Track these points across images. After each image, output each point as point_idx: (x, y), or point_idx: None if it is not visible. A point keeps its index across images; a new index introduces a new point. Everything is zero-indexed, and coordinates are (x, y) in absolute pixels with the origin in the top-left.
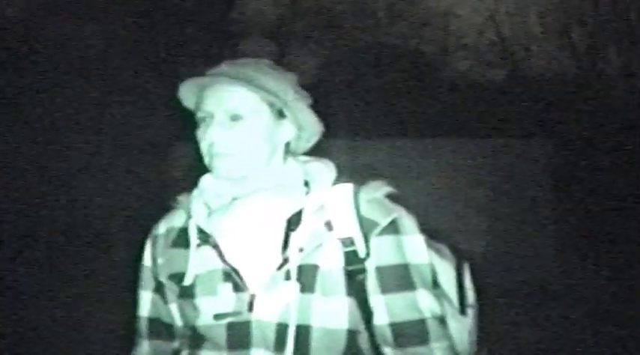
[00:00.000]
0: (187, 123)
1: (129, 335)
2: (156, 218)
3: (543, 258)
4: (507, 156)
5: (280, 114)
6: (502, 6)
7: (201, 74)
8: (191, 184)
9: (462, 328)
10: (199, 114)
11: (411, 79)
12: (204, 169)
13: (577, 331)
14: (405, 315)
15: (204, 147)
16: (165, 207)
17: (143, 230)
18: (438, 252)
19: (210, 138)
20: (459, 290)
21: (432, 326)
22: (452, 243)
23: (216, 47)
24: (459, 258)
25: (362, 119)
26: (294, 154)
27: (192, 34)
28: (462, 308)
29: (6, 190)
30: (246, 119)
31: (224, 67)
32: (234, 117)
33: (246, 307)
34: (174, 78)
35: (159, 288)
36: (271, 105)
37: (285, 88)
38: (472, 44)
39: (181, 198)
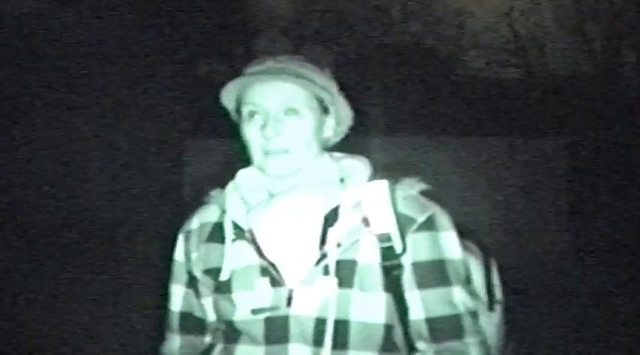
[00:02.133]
0: (201, 120)
1: (141, 333)
2: (168, 213)
3: (559, 256)
4: (523, 154)
5: (325, 110)
6: (517, 4)
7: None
8: (207, 180)
9: (490, 323)
10: (249, 108)
11: (424, 78)
12: (219, 166)
13: (592, 330)
14: (440, 310)
15: (256, 142)
16: (176, 203)
17: (156, 226)
18: (467, 249)
19: (268, 134)
20: (487, 287)
21: (467, 322)
22: (480, 240)
23: (229, 44)
24: (487, 255)
25: (375, 117)
26: (326, 149)
27: (205, 31)
28: (491, 305)
29: (16, 189)
30: (301, 114)
31: (269, 63)
32: (290, 112)
33: (284, 302)
34: (188, 75)
35: (191, 283)
36: (320, 100)
37: (330, 83)
38: (487, 43)
39: (214, 193)
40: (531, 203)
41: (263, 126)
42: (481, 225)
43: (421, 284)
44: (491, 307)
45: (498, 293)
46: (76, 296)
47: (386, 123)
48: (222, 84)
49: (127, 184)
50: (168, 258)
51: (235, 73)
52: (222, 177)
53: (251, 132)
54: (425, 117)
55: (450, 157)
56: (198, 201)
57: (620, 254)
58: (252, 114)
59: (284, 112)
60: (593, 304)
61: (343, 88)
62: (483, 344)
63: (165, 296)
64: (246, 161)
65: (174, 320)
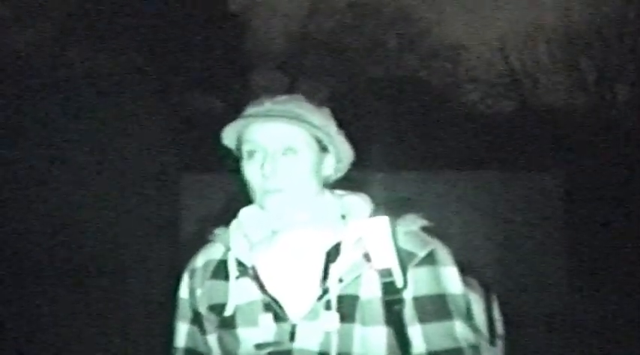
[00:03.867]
0: (197, 153)
1: None
2: (164, 246)
3: (555, 290)
4: (518, 187)
5: (324, 149)
6: (511, 38)
7: (231, 113)
8: (203, 216)
9: None
10: (248, 147)
11: (420, 111)
12: (214, 200)
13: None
14: (442, 344)
15: (256, 181)
16: (172, 239)
17: (153, 260)
18: (467, 284)
19: (266, 172)
20: (489, 322)
21: None
22: (480, 276)
23: (225, 78)
24: (488, 290)
25: (370, 151)
26: (327, 186)
27: (201, 65)
28: (492, 339)
29: (14, 221)
30: (299, 153)
31: (267, 104)
32: (288, 151)
33: (287, 337)
34: (184, 108)
35: (196, 319)
36: (318, 140)
37: (328, 122)
38: (481, 76)
39: (218, 231)
40: (527, 236)
41: (262, 166)
42: (475, 259)
43: (422, 318)
44: (492, 342)
45: (500, 327)
46: (70, 332)
47: (379, 157)
48: (218, 118)
49: (121, 219)
50: (164, 295)
51: (231, 107)
52: (219, 213)
53: (251, 171)
54: (419, 151)
55: (444, 191)
56: (195, 237)
57: (618, 285)
58: (251, 153)
59: (282, 152)
60: (591, 335)
61: (342, 125)
62: None
63: (163, 331)
64: (246, 197)
65: None
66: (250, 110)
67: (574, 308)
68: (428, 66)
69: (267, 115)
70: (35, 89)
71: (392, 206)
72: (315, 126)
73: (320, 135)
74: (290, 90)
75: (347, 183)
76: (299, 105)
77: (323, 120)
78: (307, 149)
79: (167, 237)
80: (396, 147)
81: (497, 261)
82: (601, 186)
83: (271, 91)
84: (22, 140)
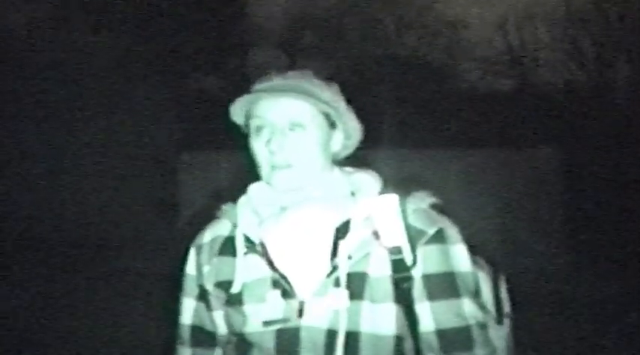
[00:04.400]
0: (194, 132)
1: (137, 346)
2: (162, 225)
3: (555, 267)
4: (517, 165)
5: (332, 125)
6: (511, 16)
7: (239, 89)
8: (203, 193)
9: (499, 337)
10: (256, 123)
11: (419, 90)
12: (214, 179)
13: (590, 338)
14: (450, 322)
15: (263, 157)
16: (171, 216)
17: (151, 238)
18: (476, 263)
19: (273, 148)
20: (496, 300)
21: (476, 333)
22: (488, 254)
23: (224, 58)
24: (496, 270)
25: (371, 129)
26: (336, 163)
27: (200, 44)
28: (499, 318)
29: (8, 204)
30: (306, 129)
31: (277, 79)
32: (296, 127)
33: (295, 313)
34: (182, 88)
35: (202, 296)
36: (327, 115)
37: (337, 98)
38: (481, 55)
39: (225, 207)
40: (526, 213)
41: (269, 141)
42: (476, 236)
43: (431, 296)
44: (499, 321)
45: (507, 306)
46: (68, 309)
47: (378, 135)
48: (217, 97)
49: (121, 198)
50: (162, 272)
51: (229, 86)
52: (219, 190)
53: (258, 147)
54: (417, 128)
55: (443, 169)
56: (193, 215)
57: (618, 262)
58: (259, 129)
59: (289, 127)
60: (592, 313)
61: (355, 101)
62: None
63: (161, 308)
64: (251, 175)
65: (185, 334)
66: (259, 85)
67: (574, 285)
68: (427, 44)
69: (276, 90)
70: (32, 69)
71: (398, 184)
72: (324, 102)
73: (329, 110)
74: (289, 69)
75: (348, 160)
76: (308, 81)
77: (332, 96)
78: (315, 125)
79: (165, 214)
80: (394, 125)
81: (498, 239)
82: (601, 164)
83: (270, 70)
84: (20, 120)
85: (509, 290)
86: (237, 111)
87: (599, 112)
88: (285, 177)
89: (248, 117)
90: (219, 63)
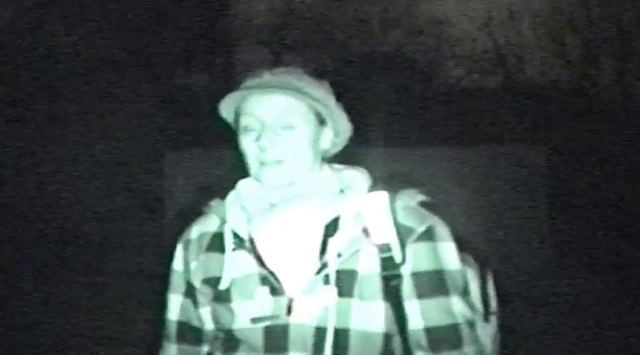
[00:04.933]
0: (181, 130)
1: (124, 343)
2: (146, 224)
3: (539, 265)
4: (502, 163)
5: (322, 122)
6: (496, 14)
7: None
8: (189, 191)
9: (486, 335)
10: (246, 120)
11: (404, 87)
12: (201, 177)
13: (573, 337)
14: (439, 320)
15: (252, 153)
16: (158, 214)
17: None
18: (464, 260)
19: (263, 145)
20: (483, 298)
21: (465, 331)
22: (476, 252)
23: (209, 54)
24: (483, 267)
25: (358, 127)
26: (325, 160)
27: (185, 41)
28: (486, 316)
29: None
30: (296, 127)
31: (267, 76)
32: (286, 125)
33: (284, 311)
34: (167, 85)
35: (189, 292)
36: (317, 113)
37: (327, 95)
38: (466, 52)
39: (213, 203)
40: (511, 211)
41: (258, 138)
42: (463, 233)
43: (420, 293)
44: (486, 318)
45: (493, 304)
46: (55, 306)
47: (365, 132)
48: (202, 94)
49: (107, 195)
50: (149, 269)
51: (214, 83)
52: (206, 187)
53: (247, 144)
54: (402, 126)
55: (428, 167)
56: (179, 211)
57: (603, 261)
58: (248, 126)
59: (279, 124)
60: (575, 311)
61: (340, 99)
62: (481, 354)
63: (155, 305)
64: (240, 172)
65: (172, 330)
66: (249, 82)
67: (558, 282)
68: (412, 42)
69: (266, 87)
70: (13, 65)
71: (388, 181)
72: (314, 99)
73: (319, 107)
74: (274, 66)
75: (337, 157)
76: (298, 78)
77: (322, 93)
78: (305, 122)
79: (152, 212)
80: (379, 123)
81: (484, 235)
82: (585, 161)
83: (255, 67)
84: (3, 116)
85: (496, 288)
86: (226, 108)
87: (585, 110)
88: (275, 174)
89: (237, 114)
90: (205, 59)
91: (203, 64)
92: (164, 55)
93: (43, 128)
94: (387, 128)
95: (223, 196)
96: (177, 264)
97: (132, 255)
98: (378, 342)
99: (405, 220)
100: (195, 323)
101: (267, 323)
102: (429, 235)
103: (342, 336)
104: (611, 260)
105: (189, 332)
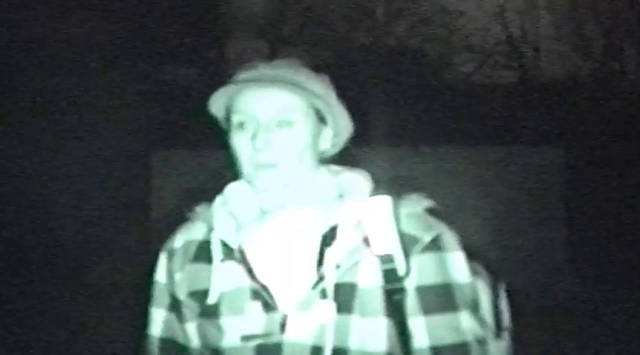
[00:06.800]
0: (168, 128)
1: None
2: (133, 227)
3: (555, 274)
4: (516, 164)
5: (322, 120)
6: (510, 2)
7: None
8: (176, 194)
9: (498, 353)
10: (239, 118)
11: (411, 83)
12: (185, 177)
13: (589, 344)
14: (447, 338)
15: (245, 154)
16: (143, 218)
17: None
18: (474, 271)
19: (258, 144)
20: (495, 313)
21: (475, 350)
22: (487, 262)
23: (200, 48)
24: (495, 279)
25: (359, 125)
26: (322, 161)
27: (174, 33)
28: (498, 332)
29: None
30: (294, 125)
31: (262, 68)
32: (283, 124)
33: (277, 328)
34: (155, 80)
35: (174, 306)
36: (317, 110)
37: (328, 91)
38: (478, 44)
39: (199, 208)
40: (525, 217)
41: (253, 137)
42: (473, 241)
43: (426, 309)
44: (498, 334)
45: (506, 319)
46: (36, 315)
47: (366, 131)
48: (192, 91)
49: (91, 199)
50: (133, 278)
51: (206, 78)
52: (193, 191)
53: (240, 143)
54: (408, 124)
55: (438, 167)
56: (165, 217)
57: (619, 265)
58: (241, 124)
59: (276, 123)
60: (590, 318)
61: (341, 95)
62: None
63: (137, 317)
64: (230, 174)
65: (154, 347)
66: (242, 75)
67: (573, 287)
68: (420, 33)
69: (261, 81)
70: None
71: (391, 184)
72: (314, 95)
73: (320, 104)
74: (272, 59)
75: (335, 158)
76: (297, 71)
77: (323, 89)
78: (304, 120)
79: (136, 216)
80: (384, 121)
81: (495, 244)
82: (606, 164)
83: (253, 59)
84: None
85: (509, 301)
86: (217, 104)
87: (607, 108)
88: (270, 177)
89: (229, 110)
90: (195, 52)
91: (193, 57)
92: (151, 48)
93: (18, 125)
94: (391, 126)
95: (211, 201)
96: (161, 275)
97: (113, 264)
98: None
99: (410, 228)
100: (181, 339)
101: (259, 341)
102: (435, 245)
103: None
104: (633, 268)
105: (173, 350)
